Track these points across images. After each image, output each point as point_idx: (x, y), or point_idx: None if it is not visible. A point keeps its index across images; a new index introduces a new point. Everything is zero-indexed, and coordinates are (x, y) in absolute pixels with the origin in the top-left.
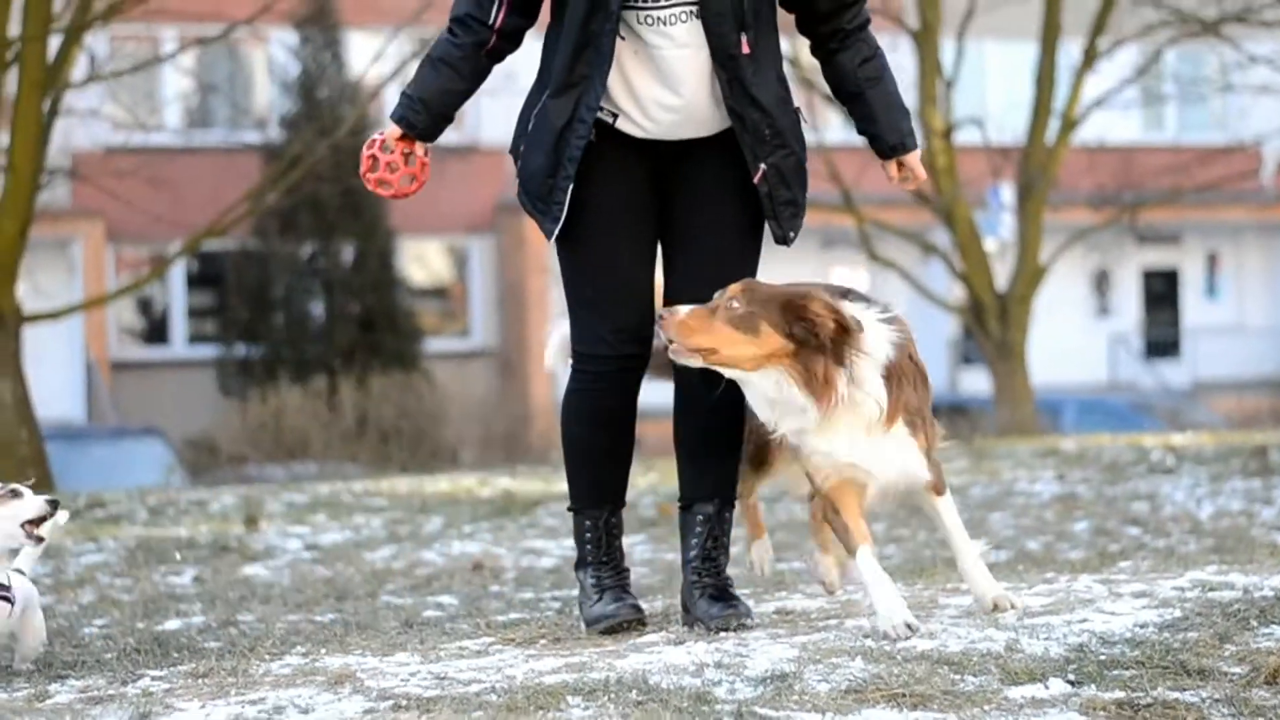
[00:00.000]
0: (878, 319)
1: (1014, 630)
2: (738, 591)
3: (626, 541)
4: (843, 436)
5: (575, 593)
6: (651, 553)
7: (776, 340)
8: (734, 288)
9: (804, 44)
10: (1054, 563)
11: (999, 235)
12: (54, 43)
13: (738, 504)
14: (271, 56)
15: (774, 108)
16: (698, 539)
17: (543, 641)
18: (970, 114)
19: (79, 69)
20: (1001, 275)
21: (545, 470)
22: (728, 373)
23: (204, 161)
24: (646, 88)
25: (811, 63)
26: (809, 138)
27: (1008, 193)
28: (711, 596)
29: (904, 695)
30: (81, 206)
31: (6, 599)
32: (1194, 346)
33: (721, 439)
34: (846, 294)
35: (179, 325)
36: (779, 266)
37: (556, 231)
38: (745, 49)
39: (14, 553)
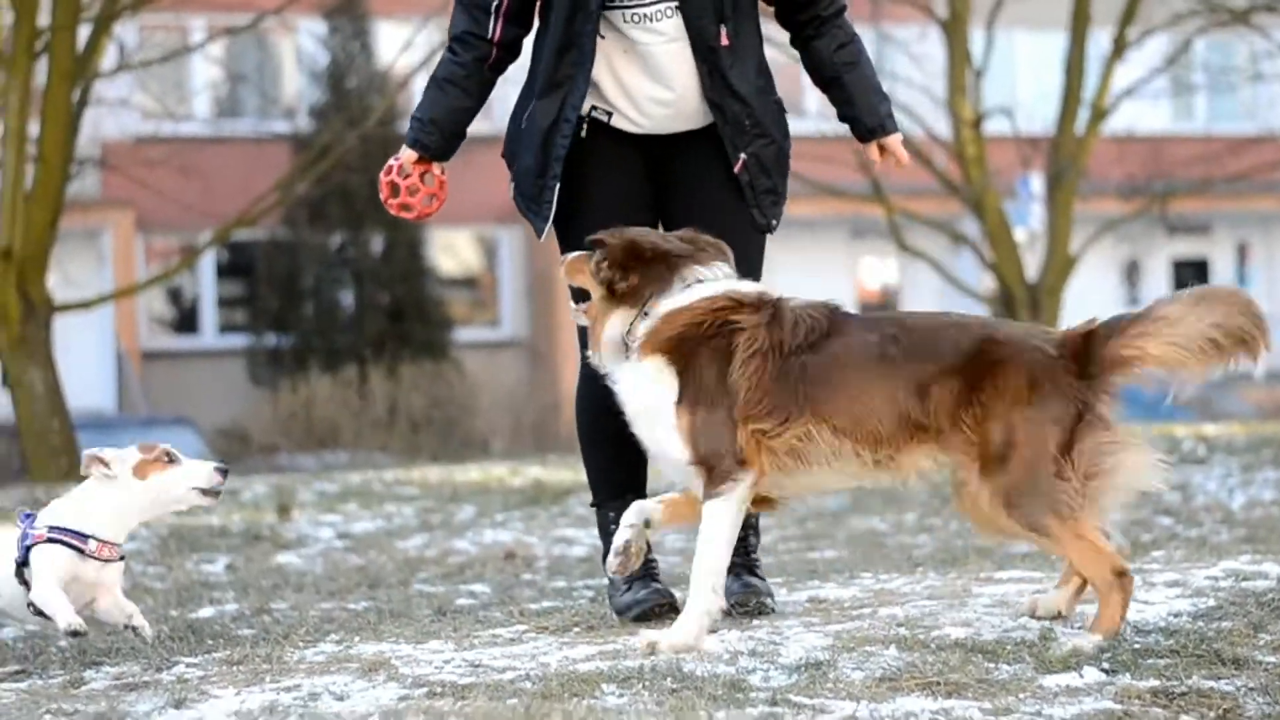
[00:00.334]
0: (700, 284)
1: (1048, 619)
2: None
3: (659, 531)
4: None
5: (607, 581)
6: (685, 541)
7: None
8: (614, 241)
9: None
10: None
11: (1029, 225)
12: (83, 32)
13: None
14: (300, 46)
15: (753, 98)
16: None
17: (576, 629)
18: (1000, 104)
19: (108, 58)
20: (1031, 265)
21: (575, 459)
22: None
23: (233, 151)
24: (638, 84)
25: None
26: (839, 128)
27: (1037, 183)
28: (735, 575)
29: (938, 684)
30: (111, 196)
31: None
32: None
33: None
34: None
35: (209, 315)
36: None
37: (546, 230)
38: (725, 41)
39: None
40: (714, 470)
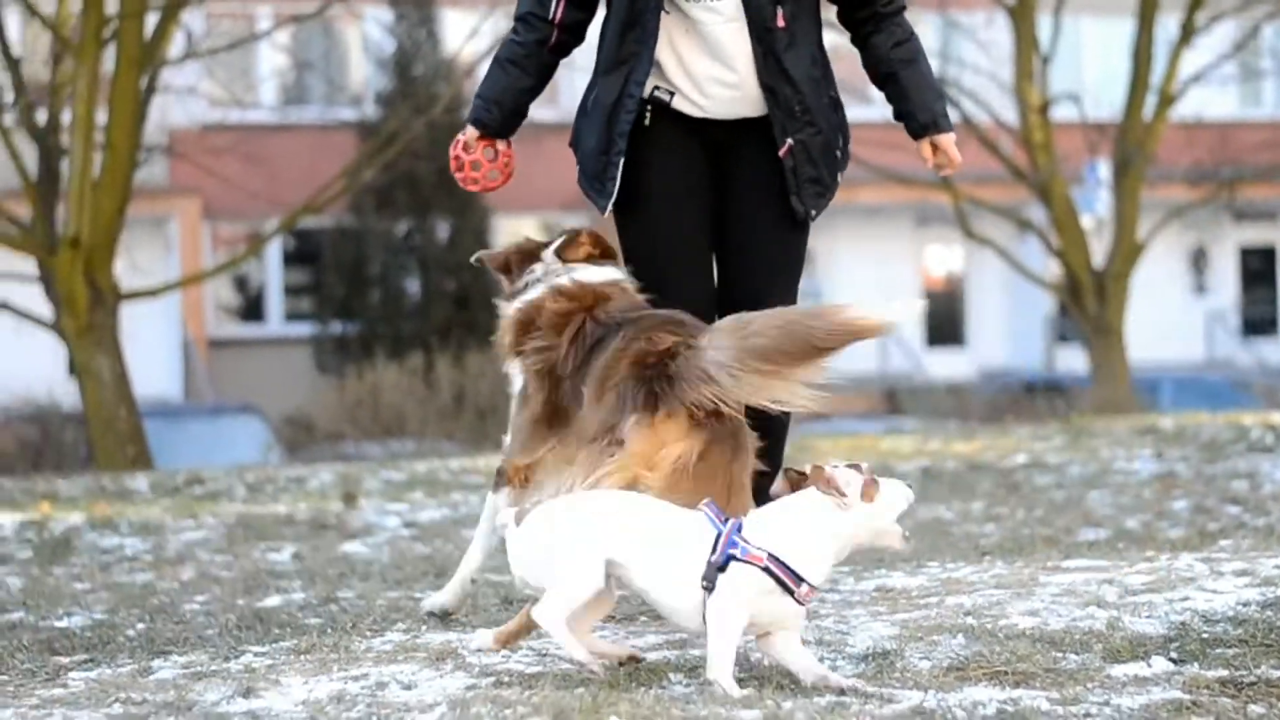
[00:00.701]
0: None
1: (1115, 608)
2: None
3: None
4: None
5: None
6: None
7: None
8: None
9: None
10: (1154, 541)
11: (1096, 212)
12: (151, 20)
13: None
14: (366, 33)
15: (805, 84)
16: None
17: (643, 618)
18: (1067, 90)
19: (176, 46)
20: (1098, 252)
21: None
22: None
23: (300, 139)
24: (701, 65)
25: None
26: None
27: (1105, 169)
28: None
29: (1006, 673)
30: (178, 184)
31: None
32: None
33: (768, 418)
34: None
35: (275, 302)
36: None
37: (610, 206)
38: (781, 23)
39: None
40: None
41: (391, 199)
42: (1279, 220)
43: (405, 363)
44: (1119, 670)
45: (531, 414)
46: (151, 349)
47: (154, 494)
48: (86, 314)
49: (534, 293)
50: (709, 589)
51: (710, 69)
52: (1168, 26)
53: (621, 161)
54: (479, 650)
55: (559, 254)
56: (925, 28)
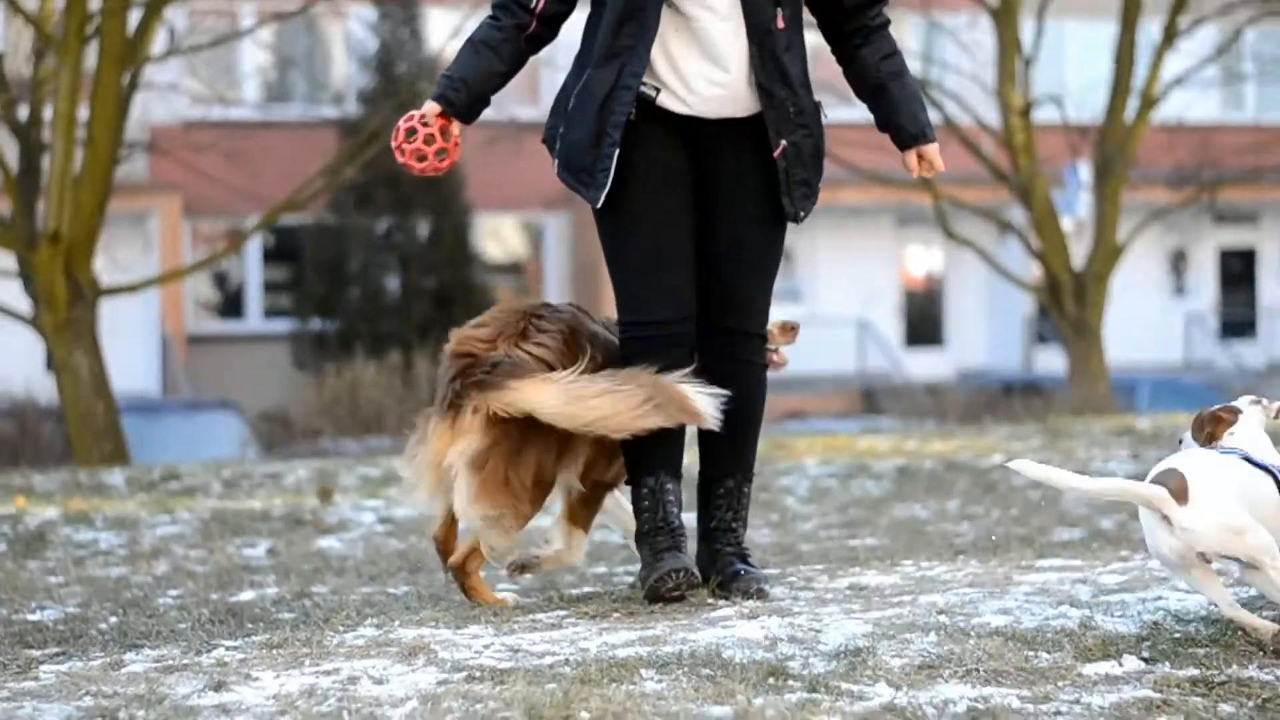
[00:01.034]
0: None
1: (1088, 608)
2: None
3: None
4: None
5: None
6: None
7: None
8: None
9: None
10: (1128, 541)
11: (1076, 214)
12: (134, 17)
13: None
14: (349, 31)
15: (800, 87)
16: (719, 511)
17: (616, 615)
18: (1049, 92)
19: (158, 43)
20: (1078, 254)
21: None
22: None
23: (281, 136)
24: (691, 62)
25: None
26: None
27: (1085, 171)
28: (731, 562)
29: (977, 671)
30: (159, 180)
31: None
32: (1271, 327)
33: (740, 416)
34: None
35: (254, 299)
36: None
37: (603, 198)
38: (780, 24)
39: None
40: None
41: (372, 197)
42: (1259, 223)
43: (384, 360)
44: (1090, 669)
45: None
46: (130, 345)
47: (130, 489)
48: (65, 309)
49: None
50: None
51: (701, 67)
52: (1150, 30)
53: (616, 154)
54: None
55: None
56: (908, 29)
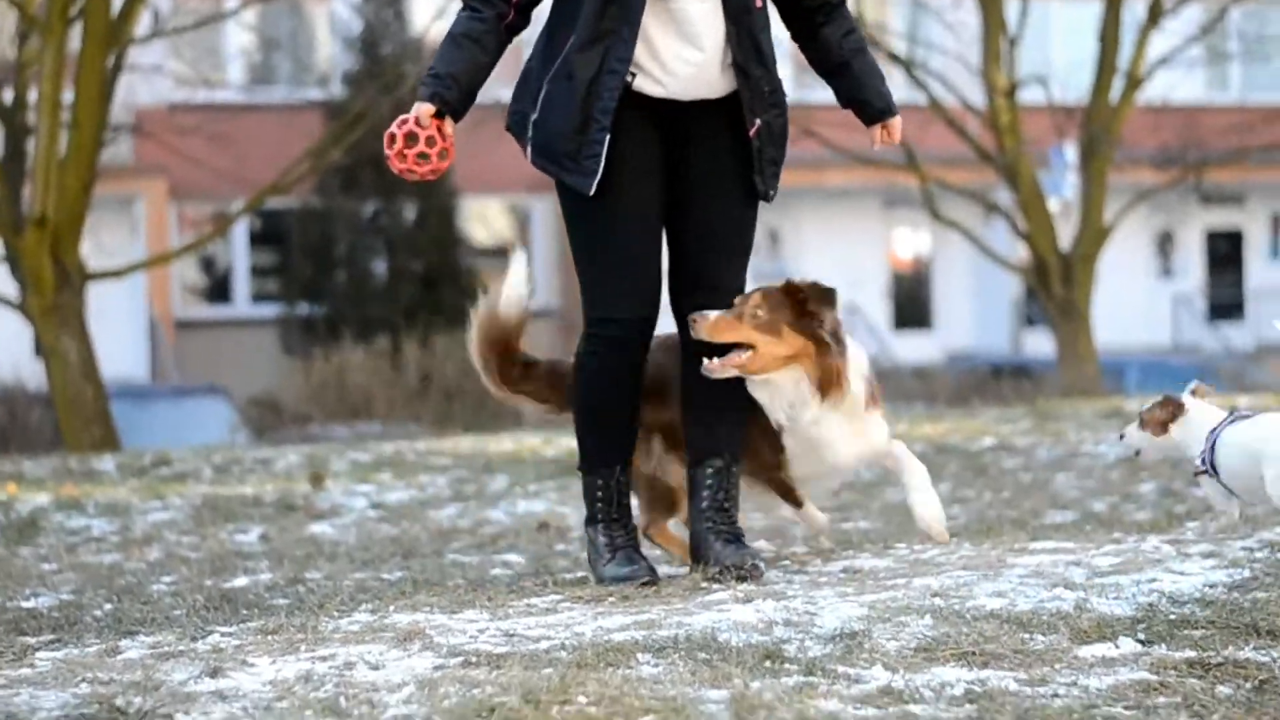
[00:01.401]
0: None
1: (1083, 590)
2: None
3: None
4: (841, 423)
5: (588, 547)
6: None
7: (799, 341)
8: (755, 296)
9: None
10: (1121, 523)
11: (1062, 195)
12: None
13: (651, 537)
14: (334, 13)
15: (773, 66)
16: (709, 490)
17: (611, 599)
18: (1034, 72)
19: (142, 25)
20: (1065, 235)
21: None
22: (755, 376)
23: (266, 119)
24: (669, 44)
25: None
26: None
27: (1071, 152)
28: (725, 540)
29: (973, 654)
30: (144, 163)
31: None
32: (1257, 308)
33: (727, 397)
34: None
35: (242, 283)
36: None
37: (595, 185)
38: (759, 3)
39: None
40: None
41: (358, 180)
42: (1245, 204)
43: (372, 344)
44: (1086, 651)
45: None
46: (118, 330)
47: (121, 475)
48: (52, 294)
49: None
50: None
51: (678, 48)
52: (1135, 9)
53: (606, 138)
54: None
55: None
56: (893, 9)
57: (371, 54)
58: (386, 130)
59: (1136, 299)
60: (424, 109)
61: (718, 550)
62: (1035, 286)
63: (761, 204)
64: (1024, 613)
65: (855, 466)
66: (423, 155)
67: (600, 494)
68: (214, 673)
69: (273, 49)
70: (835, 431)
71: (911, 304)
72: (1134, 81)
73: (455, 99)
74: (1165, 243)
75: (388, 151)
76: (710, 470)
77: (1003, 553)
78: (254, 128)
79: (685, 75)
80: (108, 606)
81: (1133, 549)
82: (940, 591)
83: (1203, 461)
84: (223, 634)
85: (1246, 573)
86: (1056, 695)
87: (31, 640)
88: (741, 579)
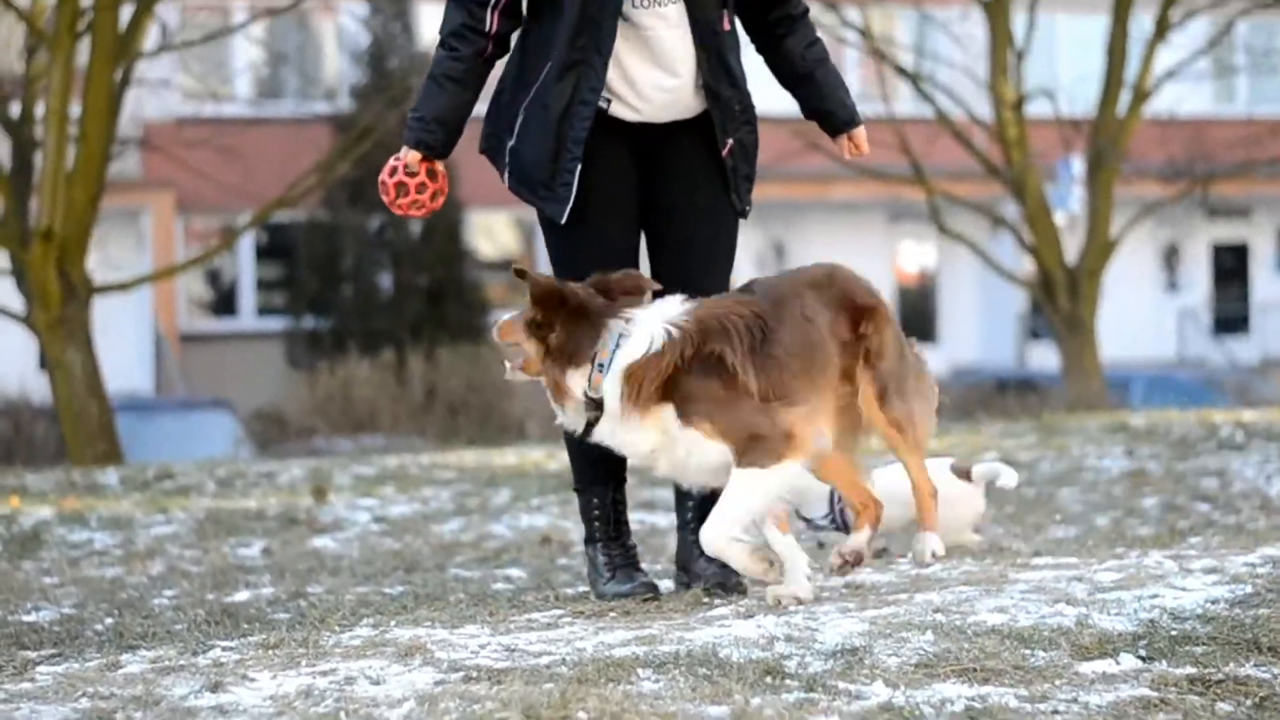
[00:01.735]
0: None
1: (1084, 605)
2: None
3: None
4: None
5: (588, 565)
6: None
7: (534, 345)
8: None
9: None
10: (1123, 538)
11: (1069, 208)
12: (126, 13)
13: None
14: (342, 27)
15: (743, 85)
16: (694, 503)
17: (612, 614)
18: (1041, 85)
19: (150, 39)
20: (1071, 249)
21: None
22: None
23: (274, 132)
24: (643, 71)
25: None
26: (879, 109)
27: (1078, 165)
28: (709, 559)
29: (974, 670)
30: (151, 177)
31: None
32: (1264, 322)
33: None
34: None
35: (248, 297)
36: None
37: (567, 213)
38: (726, 25)
39: None
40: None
41: (364, 193)
42: (1251, 217)
43: (377, 358)
44: (1087, 667)
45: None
46: (123, 343)
47: (124, 488)
48: (58, 307)
49: None
50: None
51: (652, 75)
52: (1142, 23)
53: (578, 168)
54: None
55: None
56: (901, 22)
57: (379, 68)
58: (379, 178)
59: (1142, 312)
60: (410, 155)
61: (703, 565)
62: (1041, 300)
63: (765, 217)
64: (1025, 628)
65: (674, 465)
66: (417, 203)
67: (596, 513)
68: (215, 687)
69: (280, 63)
70: (620, 435)
71: (917, 317)
72: (1141, 95)
73: (439, 141)
74: (1171, 256)
75: (383, 198)
76: None
77: (1004, 568)
78: (261, 141)
79: (660, 101)
80: (109, 621)
81: (1135, 564)
82: (941, 607)
83: None
84: (224, 648)
85: (1248, 589)
86: (1057, 711)
87: (32, 654)
88: (729, 594)
